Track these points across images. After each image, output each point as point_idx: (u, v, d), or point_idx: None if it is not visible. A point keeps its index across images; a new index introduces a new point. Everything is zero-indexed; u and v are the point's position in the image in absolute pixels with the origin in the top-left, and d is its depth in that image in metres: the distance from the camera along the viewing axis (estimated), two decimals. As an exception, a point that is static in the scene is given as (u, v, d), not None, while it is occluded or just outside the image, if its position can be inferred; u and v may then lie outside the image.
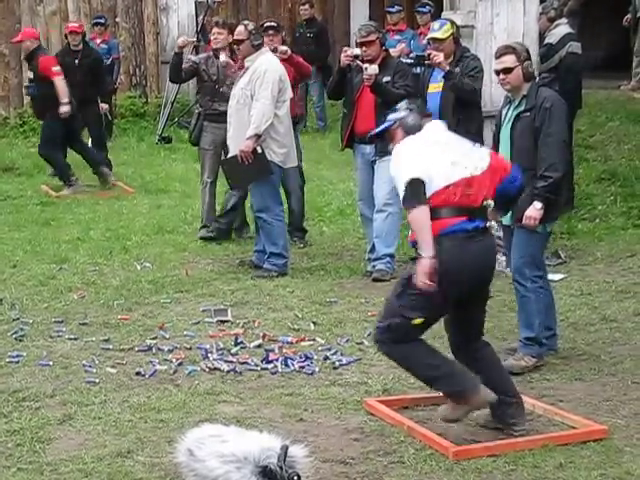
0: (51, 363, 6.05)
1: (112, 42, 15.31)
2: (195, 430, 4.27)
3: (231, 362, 6.10)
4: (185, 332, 6.71)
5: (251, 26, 8.27)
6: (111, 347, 6.38)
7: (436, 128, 5.15)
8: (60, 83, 11.40)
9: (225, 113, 8.37)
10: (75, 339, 6.53)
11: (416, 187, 4.76)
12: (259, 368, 6.03)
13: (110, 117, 15.19)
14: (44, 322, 6.89)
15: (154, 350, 6.35)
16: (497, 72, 6.09)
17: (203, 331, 6.76)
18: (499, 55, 6.09)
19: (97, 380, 5.77)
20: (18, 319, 6.90)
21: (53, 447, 4.86)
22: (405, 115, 5.09)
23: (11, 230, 9.76)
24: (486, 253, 4.97)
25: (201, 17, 14.37)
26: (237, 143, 8.00)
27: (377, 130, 5.40)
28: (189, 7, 16.08)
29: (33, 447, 4.84)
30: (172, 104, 14.84)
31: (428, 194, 4.78)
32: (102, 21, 15.25)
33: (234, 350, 6.34)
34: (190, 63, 9.40)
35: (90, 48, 12.84)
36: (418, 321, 4.82)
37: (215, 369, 6.00)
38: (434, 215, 4.77)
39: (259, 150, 7.86)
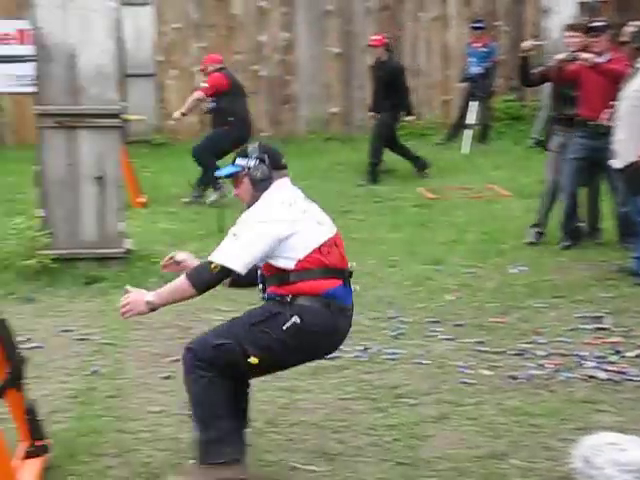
0: (427, 362, 6.15)
1: (491, 46, 15.41)
2: (591, 437, 4.19)
3: (609, 371, 5.92)
4: (560, 338, 6.58)
5: (632, 28, 8.04)
6: (486, 349, 6.39)
7: (288, 185, 4.59)
8: (193, 96, 11.63)
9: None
10: (450, 340, 6.60)
11: (225, 273, 4.33)
12: (639, 379, 5.81)
13: (488, 121, 15.29)
14: (420, 322, 7.02)
15: (528, 354, 6.29)
16: None
17: (579, 338, 6.60)
18: None
19: (472, 381, 5.80)
20: (395, 317, 7.08)
21: (429, 444, 4.94)
22: (254, 165, 4.52)
23: (389, 231, 10.04)
24: (346, 329, 4.58)
25: (584, 19, 14.09)
26: (629, 147, 7.73)
27: (224, 172, 4.70)
28: (571, 8, 15.81)
29: (409, 443, 4.94)
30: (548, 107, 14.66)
31: (300, 256, 4.34)
32: (481, 25, 15.40)
33: (612, 359, 6.15)
34: (544, 67, 9.33)
35: (390, 61, 12.92)
36: (254, 360, 4.32)
37: (592, 377, 5.84)
38: (310, 276, 4.35)
39: None
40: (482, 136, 15.32)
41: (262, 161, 4.51)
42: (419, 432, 5.07)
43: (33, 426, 4.55)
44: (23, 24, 15.58)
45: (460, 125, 15.37)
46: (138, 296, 4.40)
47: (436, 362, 6.16)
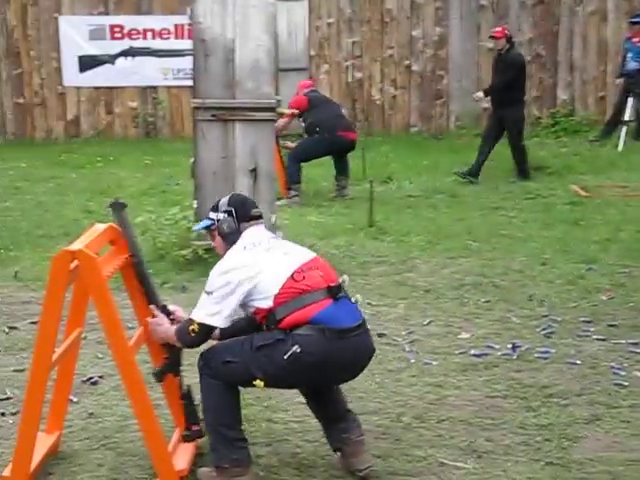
0: (579, 362, 6.03)
1: (649, 41, 15.01)
2: None
3: None
4: None
5: None
6: (640, 351, 6.24)
7: (258, 233, 4.51)
8: (279, 121, 11.54)
9: None
10: (603, 340, 6.46)
11: (206, 331, 4.37)
12: None
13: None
14: (572, 321, 6.88)
15: (684, 358, 6.12)
16: None
17: None
18: None
19: (626, 383, 5.66)
20: (547, 316, 6.96)
21: (580, 446, 4.84)
22: (222, 219, 4.50)
23: (541, 228, 9.89)
24: (356, 352, 4.36)
25: None
26: None
27: (198, 226, 4.75)
28: None
29: (561, 444, 4.85)
30: None
31: (275, 291, 4.27)
32: (640, 20, 15.03)
33: None
34: None
35: (510, 52, 12.53)
36: (259, 384, 4.32)
37: None
38: (292, 307, 4.26)
39: None
40: (638, 133, 14.94)
41: (229, 214, 4.50)
42: (571, 433, 4.98)
43: (189, 411, 4.65)
44: (180, 19, 16.00)
45: (616, 122, 15.02)
46: (161, 325, 4.57)
47: (588, 362, 6.03)
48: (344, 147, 11.83)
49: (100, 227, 4.58)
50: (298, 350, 4.22)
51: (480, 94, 12.96)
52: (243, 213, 4.52)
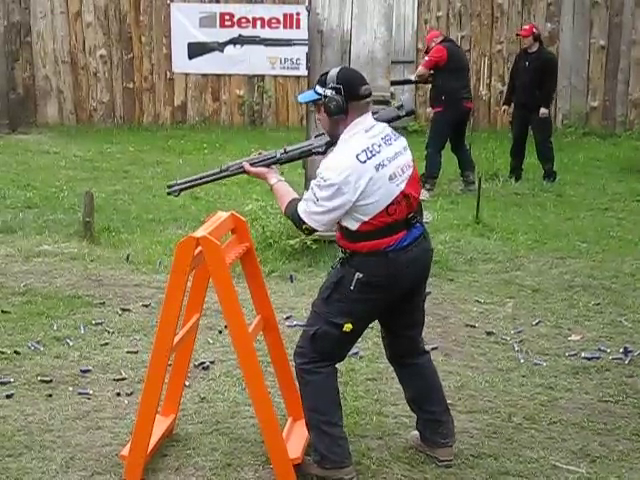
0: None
1: None
2: None
3: None
4: None
5: None
6: None
7: (368, 124, 4.29)
8: (416, 72, 11.81)
9: None
10: None
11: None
12: None
13: None
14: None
15: None
16: None
17: None
18: None
19: None
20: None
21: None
22: (329, 96, 4.22)
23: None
24: (419, 259, 4.36)
25: None
26: None
27: (304, 98, 4.43)
28: None
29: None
30: None
31: (366, 219, 4.21)
32: None
33: None
34: None
35: (543, 50, 12.18)
36: (348, 327, 4.31)
37: None
38: (371, 237, 4.23)
39: None
40: None
41: (337, 92, 4.23)
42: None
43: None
44: (290, 9, 16.10)
45: None
46: (269, 174, 4.69)
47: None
48: (464, 119, 11.58)
49: (222, 215, 4.64)
50: (360, 276, 4.25)
51: (504, 107, 12.71)
52: (352, 91, 4.24)
